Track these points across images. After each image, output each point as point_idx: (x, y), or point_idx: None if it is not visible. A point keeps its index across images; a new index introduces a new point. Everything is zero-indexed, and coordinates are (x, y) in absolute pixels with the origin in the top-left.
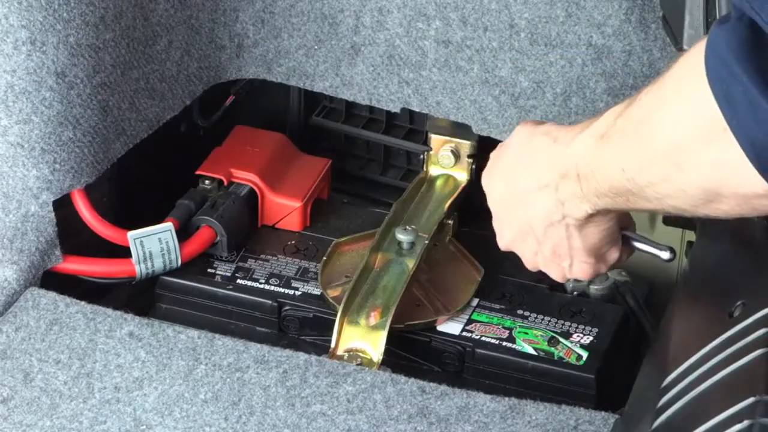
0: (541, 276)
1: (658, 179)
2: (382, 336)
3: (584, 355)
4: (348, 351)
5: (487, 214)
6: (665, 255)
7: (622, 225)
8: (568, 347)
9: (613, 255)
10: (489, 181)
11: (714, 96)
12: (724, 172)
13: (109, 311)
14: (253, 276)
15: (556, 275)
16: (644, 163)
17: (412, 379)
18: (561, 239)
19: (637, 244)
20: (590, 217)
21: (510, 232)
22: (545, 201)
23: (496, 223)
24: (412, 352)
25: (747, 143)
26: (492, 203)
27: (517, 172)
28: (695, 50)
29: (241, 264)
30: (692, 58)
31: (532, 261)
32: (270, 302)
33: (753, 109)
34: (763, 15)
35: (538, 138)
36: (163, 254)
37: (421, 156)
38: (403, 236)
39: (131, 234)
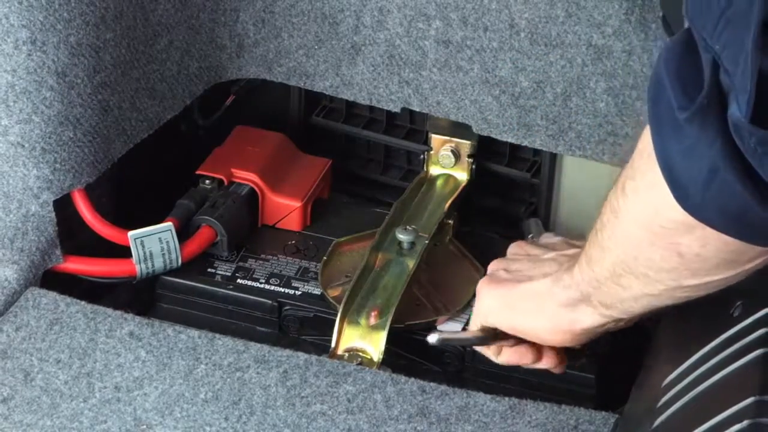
0: None
1: (605, 227)
2: (382, 336)
3: None
4: (348, 351)
5: (487, 214)
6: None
7: None
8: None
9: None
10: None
11: (648, 107)
12: (651, 197)
13: (110, 311)
14: (254, 276)
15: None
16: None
17: (412, 379)
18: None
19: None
20: None
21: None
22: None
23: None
24: (412, 352)
25: (662, 158)
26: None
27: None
28: None
29: (241, 264)
30: None
31: None
32: (270, 302)
33: (671, 117)
34: (695, 20)
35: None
36: (164, 254)
37: (422, 156)
38: (403, 236)
39: (131, 234)
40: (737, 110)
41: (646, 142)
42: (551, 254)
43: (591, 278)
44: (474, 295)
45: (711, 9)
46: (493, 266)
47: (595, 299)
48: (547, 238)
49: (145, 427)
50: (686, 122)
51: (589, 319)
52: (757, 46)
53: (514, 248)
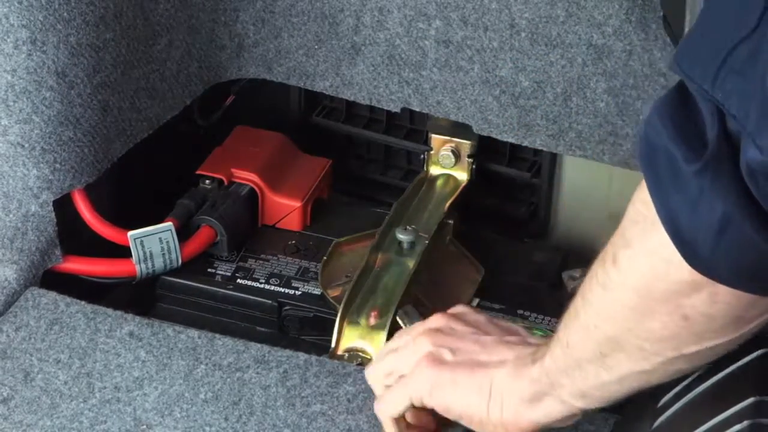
0: (539, 276)
1: (590, 305)
2: (382, 336)
3: None
4: (348, 351)
5: (487, 214)
6: None
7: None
8: None
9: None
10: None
11: (643, 171)
12: (652, 262)
13: (110, 311)
14: (254, 276)
15: None
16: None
17: None
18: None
19: None
20: None
21: None
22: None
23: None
24: None
25: (666, 216)
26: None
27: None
28: None
29: (241, 264)
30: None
31: None
32: (270, 302)
33: (673, 173)
34: (691, 72)
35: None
36: (164, 254)
37: (422, 156)
38: (403, 236)
39: (131, 234)
40: (756, 153)
41: (638, 209)
42: (494, 338)
43: (568, 366)
44: (474, 296)
45: (708, 62)
46: (431, 341)
47: (569, 390)
48: (465, 312)
49: (145, 427)
50: (696, 175)
51: (555, 412)
52: None
53: (443, 321)
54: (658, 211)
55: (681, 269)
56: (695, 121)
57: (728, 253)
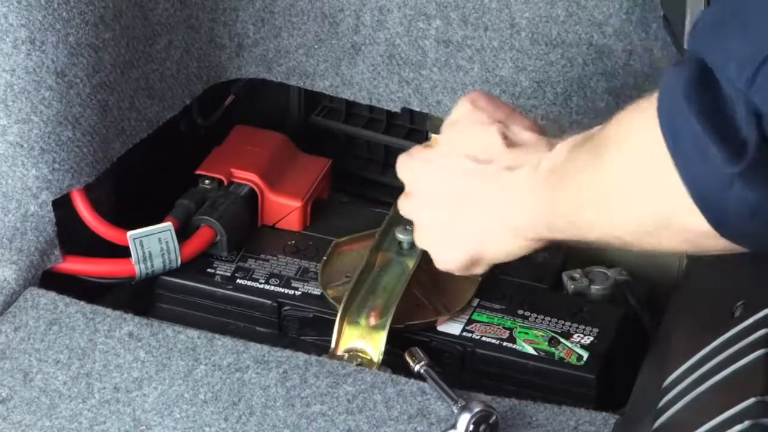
0: (539, 276)
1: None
2: (382, 336)
3: (585, 355)
4: (348, 351)
5: None
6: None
7: None
8: (569, 347)
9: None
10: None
11: (662, 134)
12: (672, 205)
13: (109, 311)
14: (253, 276)
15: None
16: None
17: (412, 380)
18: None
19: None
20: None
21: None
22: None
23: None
24: None
25: (691, 183)
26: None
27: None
28: (648, 95)
29: (240, 264)
30: (644, 101)
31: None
32: (270, 302)
33: (698, 150)
34: (724, 67)
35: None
36: (163, 254)
37: None
38: (403, 236)
39: (131, 234)
40: None
41: (649, 145)
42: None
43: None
44: (474, 296)
45: (745, 59)
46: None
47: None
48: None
49: (144, 427)
50: (738, 177)
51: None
52: None
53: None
54: (683, 179)
55: (699, 222)
56: (724, 113)
57: (758, 230)
